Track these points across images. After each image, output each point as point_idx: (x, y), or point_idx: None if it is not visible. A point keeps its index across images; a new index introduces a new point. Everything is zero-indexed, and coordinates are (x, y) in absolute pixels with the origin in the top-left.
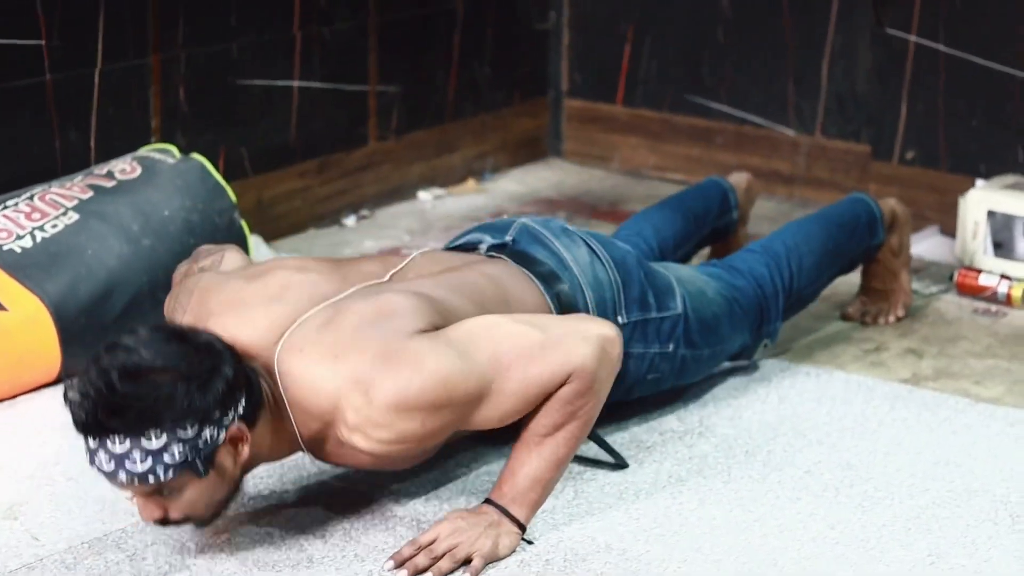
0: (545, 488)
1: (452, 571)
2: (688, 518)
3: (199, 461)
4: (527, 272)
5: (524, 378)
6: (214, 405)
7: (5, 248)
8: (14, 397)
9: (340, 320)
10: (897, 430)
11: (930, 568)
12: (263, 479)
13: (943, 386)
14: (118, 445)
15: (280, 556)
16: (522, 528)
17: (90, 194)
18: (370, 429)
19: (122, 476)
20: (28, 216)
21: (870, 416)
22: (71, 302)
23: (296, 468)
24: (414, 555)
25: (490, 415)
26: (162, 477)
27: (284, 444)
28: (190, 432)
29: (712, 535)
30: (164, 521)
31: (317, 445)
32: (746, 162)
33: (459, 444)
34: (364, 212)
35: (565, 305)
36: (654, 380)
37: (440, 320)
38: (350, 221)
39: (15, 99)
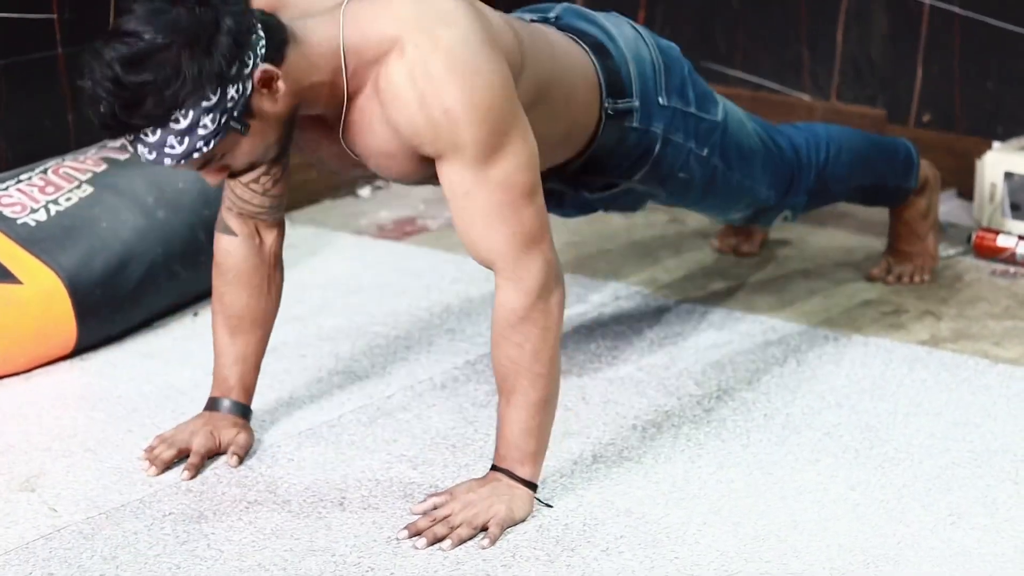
0: (538, 437)
1: (471, 538)
2: (707, 481)
3: (235, 120)
4: (574, 39)
5: (514, 196)
6: (227, 63)
7: (20, 222)
8: (31, 370)
9: None
10: (916, 392)
11: (951, 528)
12: (280, 447)
13: (962, 347)
14: (150, 136)
15: (298, 524)
16: (532, 487)
17: (104, 167)
18: (428, 62)
19: (167, 161)
20: (42, 190)
21: (889, 378)
22: (86, 275)
23: (313, 436)
24: (431, 526)
25: (482, 175)
26: (205, 149)
27: (326, 74)
28: (213, 98)
29: (731, 498)
30: (233, 175)
31: (354, 95)
32: None
33: (475, 409)
34: (379, 183)
35: (611, 74)
36: (684, 181)
37: (513, 43)
38: (365, 192)
39: (28, 73)
